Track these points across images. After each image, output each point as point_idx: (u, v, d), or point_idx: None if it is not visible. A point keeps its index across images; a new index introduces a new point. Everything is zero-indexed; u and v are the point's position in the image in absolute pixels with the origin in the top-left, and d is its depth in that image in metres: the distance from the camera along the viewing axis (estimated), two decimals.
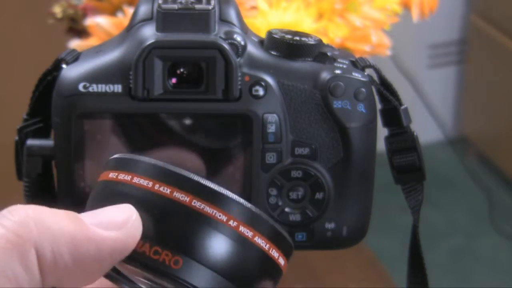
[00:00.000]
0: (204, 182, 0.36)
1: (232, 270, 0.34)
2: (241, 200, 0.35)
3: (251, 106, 0.48)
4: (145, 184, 0.35)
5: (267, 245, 0.35)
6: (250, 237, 0.35)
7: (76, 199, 0.48)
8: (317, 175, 0.49)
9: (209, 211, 0.34)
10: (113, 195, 0.36)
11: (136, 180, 0.36)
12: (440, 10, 0.82)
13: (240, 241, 0.34)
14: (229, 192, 0.36)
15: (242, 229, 0.35)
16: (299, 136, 0.49)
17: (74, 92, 0.48)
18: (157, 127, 0.48)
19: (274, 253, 0.36)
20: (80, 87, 0.48)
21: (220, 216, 0.34)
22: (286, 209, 0.49)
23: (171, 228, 0.35)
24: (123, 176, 0.36)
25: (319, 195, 0.49)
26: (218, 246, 0.34)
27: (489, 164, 2.11)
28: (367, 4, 0.74)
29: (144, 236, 0.35)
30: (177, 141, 0.48)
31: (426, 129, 1.96)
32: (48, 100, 0.49)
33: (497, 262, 1.85)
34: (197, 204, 0.35)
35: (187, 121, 0.48)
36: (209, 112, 0.48)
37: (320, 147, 0.49)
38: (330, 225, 0.50)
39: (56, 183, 0.50)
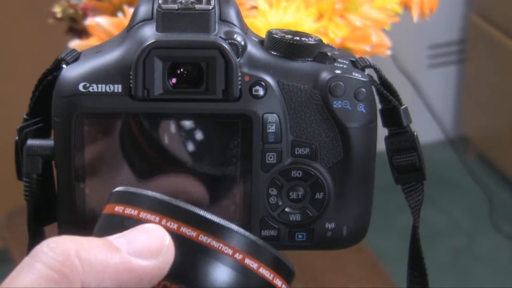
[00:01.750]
0: (209, 217, 0.36)
1: None
2: (246, 233, 0.36)
3: (251, 106, 0.48)
4: (152, 219, 0.36)
5: (271, 275, 0.36)
6: (255, 268, 0.36)
7: (76, 200, 0.48)
8: (317, 175, 0.49)
9: (215, 245, 0.35)
10: (122, 228, 0.37)
11: (143, 215, 0.36)
12: (440, 10, 0.82)
13: (246, 273, 0.35)
14: (234, 225, 0.36)
15: (247, 261, 0.36)
16: (299, 136, 0.49)
17: (74, 92, 0.48)
18: (157, 127, 0.48)
19: (278, 282, 0.37)
20: (80, 87, 0.48)
21: (226, 249, 0.35)
22: (286, 209, 0.49)
23: (178, 262, 0.35)
24: (130, 211, 0.37)
25: (319, 195, 0.49)
26: (226, 279, 0.35)
27: (489, 164, 2.11)
28: (367, 4, 0.74)
29: None
30: (177, 141, 0.48)
31: (426, 129, 1.97)
32: (48, 100, 0.49)
33: (497, 262, 1.85)
34: (204, 238, 0.36)
35: (187, 121, 0.48)
36: (209, 112, 0.48)
37: (320, 147, 0.49)
38: (330, 225, 0.50)
39: (56, 183, 0.50)
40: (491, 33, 2.02)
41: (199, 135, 0.48)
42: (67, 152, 0.48)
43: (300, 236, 0.50)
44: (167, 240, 0.36)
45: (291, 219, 0.49)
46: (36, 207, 0.50)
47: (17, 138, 0.51)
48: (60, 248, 0.35)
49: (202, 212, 0.36)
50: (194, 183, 0.48)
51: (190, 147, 0.48)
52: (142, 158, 0.48)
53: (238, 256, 0.36)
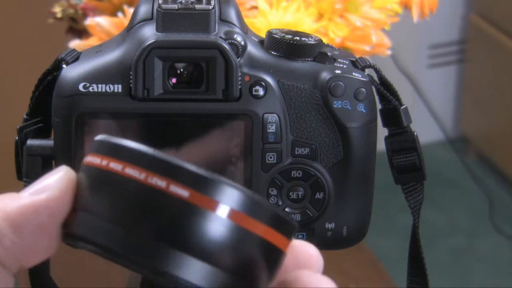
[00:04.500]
0: (203, 173, 0.33)
1: (231, 260, 0.33)
2: (238, 186, 0.33)
3: (251, 106, 0.48)
4: (137, 176, 0.33)
5: (268, 232, 0.33)
6: (248, 225, 0.33)
7: None
8: (317, 175, 0.49)
9: (209, 205, 0.33)
10: (101, 186, 0.34)
11: (128, 171, 0.33)
12: (440, 10, 0.82)
13: (237, 230, 0.33)
14: (222, 178, 0.33)
15: (238, 217, 0.33)
16: (299, 136, 0.49)
17: (74, 92, 0.48)
18: (157, 127, 0.48)
19: (275, 238, 0.34)
20: (80, 87, 0.48)
21: (221, 208, 0.33)
22: (286, 209, 0.49)
23: (168, 223, 0.33)
24: (114, 165, 0.34)
25: (319, 195, 0.49)
26: (214, 237, 0.32)
27: (489, 164, 2.11)
28: (367, 4, 0.74)
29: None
30: (177, 141, 0.48)
31: (426, 129, 1.96)
32: (48, 100, 0.49)
33: (497, 262, 1.85)
34: (195, 198, 0.33)
35: (187, 121, 0.48)
36: (209, 112, 0.48)
37: (320, 147, 0.49)
38: (330, 225, 0.50)
39: None
40: (491, 33, 2.02)
41: (199, 135, 0.48)
42: (67, 152, 0.48)
43: (300, 236, 0.50)
44: (61, 172, 0.35)
45: None
46: None
47: (17, 138, 0.51)
48: None
49: (196, 169, 0.33)
50: None
51: (190, 147, 0.48)
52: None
53: (234, 215, 0.33)
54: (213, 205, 0.32)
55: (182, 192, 0.32)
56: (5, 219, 0.34)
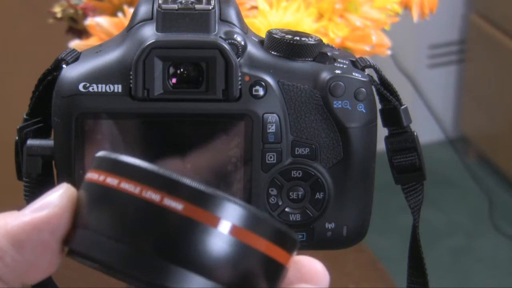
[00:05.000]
0: (198, 187, 0.33)
1: (231, 275, 0.33)
2: (243, 204, 0.33)
3: (251, 106, 0.48)
4: (132, 190, 0.33)
5: (269, 247, 0.33)
6: (249, 241, 0.32)
7: None
8: (317, 175, 0.49)
9: (205, 219, 0.32)
10: (99, 201, 0.34)
11: (123, 185, 0.33)
12: (440, 10, 0.82)
13: (238, 246, 0.32)
14: (222, 193, 0.33)
15: (240, 232, 0.32)
16: (299, 136, 0.49)
17: (74, 92, 0.48)
18: (157, 127, 0.48)
19: (277, 253, 0.34)
20: (80, 87, 0.48)
21: (219, 223, 0.32)
22: (286, 209, 0.49)
23: (162, 236, 0.32)
24: (111, 180, 0.34)
25: (319, 195, 0.49)
26: (215, 252, 0.32)
27: (489, 164, 2.11)
28: (367, 4, 0.74)
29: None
30: (177, 141, 0.48)
31: (426, 129, 1.96)
32: (48, 100, 0.49)
33: (497, 262, 1.85)
34: (191, 211, 0.32)
35: (187, 121, 0.48)
36: (209, 112, 0.48)
37: (320, 147, 0.49)
38: (330, 225, 0.50)
39: (56, 183, 0.50)
40: (491, 33, 2.02)
41: (199, 135, 0.48)
42: (67, 152, 0.48)
43: (300, 236, 0.50)
44: (62, 189, 0.36)
45: (291, 219, 0.49)
46: None
47: (17, 138, 0.51)
48: None
49: (190, 182, 0.32)
50: None
51: (190, 147, 0.48)
52: (141, 158, 0.48)
53: (230, 227, 0.32)
54: (214, 221, 0.32)
55: (176, 205, 0.32)
56: (6, 236, 0.34)
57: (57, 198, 0.35)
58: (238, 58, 0.48)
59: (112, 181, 0.33)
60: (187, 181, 0.33)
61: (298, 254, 0.35)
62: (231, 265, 0.33)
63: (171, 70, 0.48)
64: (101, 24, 0.73)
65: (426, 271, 0.54)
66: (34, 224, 0.35)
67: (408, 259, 0.54)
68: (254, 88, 0.48)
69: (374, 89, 0.50)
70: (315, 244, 0.50)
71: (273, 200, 0.49)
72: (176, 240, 0.32)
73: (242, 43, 0.48)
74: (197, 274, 0.32)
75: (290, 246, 0.34)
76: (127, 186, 0.33)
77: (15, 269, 0.34)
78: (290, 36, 0.49)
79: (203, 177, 0.48)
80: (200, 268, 0.32)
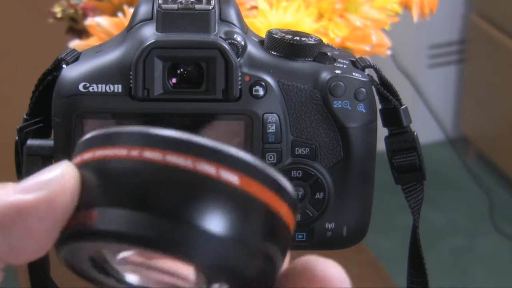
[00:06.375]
0: (199, 140, 0.31)
1: (239, 231, 0.30)
2: (243, 154, 0.31)
3: (251, 106, 0.48)
4: (125, 154, 0.31)
5: (273, 201, 0.31)
6: (254, 193, 0.30)
7: None
8: (317, 175, 0.49)
9: (212, 172, 0.30)
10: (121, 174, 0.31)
11: (116, 151, 0.31)
12: (440, 10, 0.82)
13: (244, 199, 0.31)
14: (224, 145, 0.31)
15: (245, 186, 0.30)
16: (299, 136, 0.49)
17: (74, 92, 0.48)
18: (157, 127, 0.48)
19: (279, 209, 0.31)
20: (80, 87, 0.48)
21: (226, 176, 0.30)
22: None
23: (167, 198, 0.30)
24: (100, 153, 0.31)
25: (319, 195, 0.49)
26: (222, 208, 0.30)
27: (489, 164, 2.11)
28: (367, 4, 0.74)
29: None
30: None
31: (426, 129, 1.97)
32: (48, 100, 0.49)
33: (497, 262, 1.85)
34: (198, 165, 0.30)
35: (187, 121, 0.48)
36: (209, 112, 0.48)
37: (320, 147, 0.49)
38: (330, 225, 0.50)
39: None
40: (491, 33, 2.02)
41: (199, 135, 0.48)
42: (67, 152, 0.48)
43: (300, 236, 0.50)
44: (59, 170, 0.31)
45: None
46: None
47: (17, 138, 0.51)
48: None
49: (190, 137, 0.31)
50: None
51: None
52: None
53: (239, 182, 0.30)
54: (223, 175, 0.30)
55: (186, 162, 0.31)
56: None
57: (56, 178, 0.31)
58: (238, 58, 0.48)
59: (120, 151, 0.31)
60: (196, 138, 0.31)
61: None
62: (239, 219, 0.31)
63: (171, 70, 0.48)
64: (101, 24, 0.73)
65: (426, 271, 0.54)
66: (19, 208, 0.30)
67: (408, 259, 0.54)
68: (254, 88, 0.48)
69: (374, 89, 0.50)
70: (315, 244, 0.50)
71: None
72: (195, 200, 0.30)
73: (242, 43, 0.48)
74: (203, 231, 0.30)
75: (294, 207, 0.33)
76: (150, 155, 0.31)
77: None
78: (290, 36, 0.49)
79: None
80: (207, 226, 0.30)
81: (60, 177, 0.31)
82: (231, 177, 0.31)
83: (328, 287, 0.30)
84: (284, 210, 0.32)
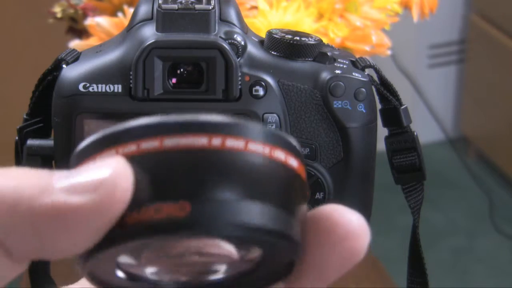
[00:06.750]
0: (208, 118, 0.30)
1: (275, 193, 0.31)
2: (259, 125, 0.31)
3: (251, 106, 0.48)
4: (131, 150, 0.28)
5: (294, 162, 0.32)
6: (283, 158, 0.31)
7: None
8: (317, 175, 0.49)
9: (235, 145, 0.29)
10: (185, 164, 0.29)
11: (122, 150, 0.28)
12: (440, 10, 0.82)
13: (270, 163, 0.31)
14: (240, 119, 0.30)
15: (271, 152, 0.30)
16: (299, 136, 0.49)
17: (74, 92, 0.48)
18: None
19: (293, 162, 0.32)
20: (80, 87, 0.48)
21: (249, 146, 0.30)
22: None
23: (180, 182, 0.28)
24: (147, 145, 0.29)
25: (319, 195, 0.49)
26: (254, 171, 0.30)
27: (489, 164, 2.11)
28: (367, 4, 0.74)
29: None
30: None
31: (426, 129, 1.97)
32: (48, 100, 0.49)
33: (497, 262, 1.85)
34: (217, 142, 0.29)
35: None
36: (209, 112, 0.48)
37: (320, 147, 0.49)
38: None
39: None
40: (491, 33, 2.02)
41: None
42: (67, 152, 0.48)
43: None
44: (109, 171, 0.27)
45: None
46: None
47: (17, 138, 0.51)
48: None
49: (195, 116, 0.30)
50: None
51: None
52: None
53: (264, 149, 0.30)
54: (243, 144, 0.30)
55: (215, 141, 0.30)
56: (26, 214, 0.27)
57: (109, 180, 0.27)
58: (238, 58, 0.48)
59: (194, 139, 0.29)
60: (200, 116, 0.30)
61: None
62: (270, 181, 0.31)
63: (171, 70, 0.48)
64: (101, 24, 0.73)
65: (426, 271, 0.54)
66: (61, 211, 0.26)
67: (408, 259, 0.54)
68: (254, 88, 0.48)
69: (374, 89, 0.50)
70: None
71: None
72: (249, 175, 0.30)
73: (242, 43, 0.48)
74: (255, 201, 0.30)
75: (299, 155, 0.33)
76: (190, 140, 0.29)
77: (27, 246, 0.27)
78: (290, 36, 0.49)
79: None
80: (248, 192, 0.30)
81: (113, 179, 0.27)
82: (260, 148, 0.31)
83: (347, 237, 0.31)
84: (301, 168, 0.33)
